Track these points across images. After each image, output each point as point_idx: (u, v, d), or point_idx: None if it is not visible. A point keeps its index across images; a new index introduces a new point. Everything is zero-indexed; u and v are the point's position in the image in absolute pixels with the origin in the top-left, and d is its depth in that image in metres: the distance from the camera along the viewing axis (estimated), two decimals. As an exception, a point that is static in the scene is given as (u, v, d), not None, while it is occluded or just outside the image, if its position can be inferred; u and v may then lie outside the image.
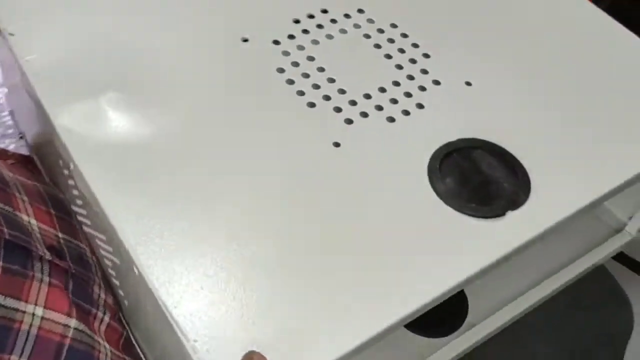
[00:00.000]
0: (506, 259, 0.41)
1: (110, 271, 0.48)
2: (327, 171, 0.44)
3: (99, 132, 0.44)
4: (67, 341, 0.41)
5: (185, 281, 0.38)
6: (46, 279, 0.42)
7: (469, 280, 0.40)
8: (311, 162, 0.45)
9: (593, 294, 0.64)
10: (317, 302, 0.38)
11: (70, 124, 0.44)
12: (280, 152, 0.45)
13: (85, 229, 0.48)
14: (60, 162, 0.49)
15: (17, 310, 0.39)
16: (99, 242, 0.48)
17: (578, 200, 0.44)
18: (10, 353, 0.38)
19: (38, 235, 0.44)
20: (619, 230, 0.61)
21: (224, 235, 0.40)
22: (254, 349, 0.36)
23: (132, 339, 0.49)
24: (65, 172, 0.49)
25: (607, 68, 0.53)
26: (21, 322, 0.39)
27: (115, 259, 0.45)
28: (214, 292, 0.38)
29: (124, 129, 0.44)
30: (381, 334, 0.38)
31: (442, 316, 0.56)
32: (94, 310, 0.45)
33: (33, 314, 0.40)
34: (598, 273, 0.61)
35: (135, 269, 0.39)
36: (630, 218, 0.60)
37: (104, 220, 0.41)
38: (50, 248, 0.44)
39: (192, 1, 0.54)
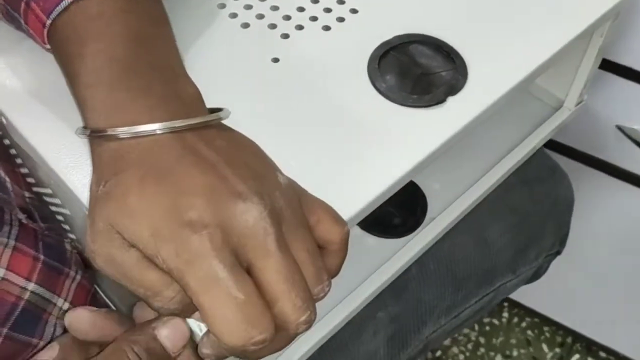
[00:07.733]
0: (453, 140, 0.44)
1: (65, 226, 0.48)
2: (268, 85, 0.45)
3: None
4: (22, 303, 0.42)
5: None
6: (12, 242, 0.42)
7: (422, 165, 0.42)
8: (251, 78, 0.46)
9: (535, 171, 0.67)
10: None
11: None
12: (220, 73, 0.46)
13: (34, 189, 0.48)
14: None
15: None
16: (47, 199, 0.48)
17: (513, 77, 0.46)
18: None
19: (12, 195, 0.44)
20: (558, 108, 0.64)
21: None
22: None
23: (101, 292, 0.50)
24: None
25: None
26: None
27: (65, 211, 0.46)
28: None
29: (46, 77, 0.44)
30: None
31: (405, 217, 0.58)
32: (66, 270, 0.45)
33: None
34: (536, 154, 0.64)
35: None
36: (566, 95, 0.63)
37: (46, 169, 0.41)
38: (21, 209, 0.44)
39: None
